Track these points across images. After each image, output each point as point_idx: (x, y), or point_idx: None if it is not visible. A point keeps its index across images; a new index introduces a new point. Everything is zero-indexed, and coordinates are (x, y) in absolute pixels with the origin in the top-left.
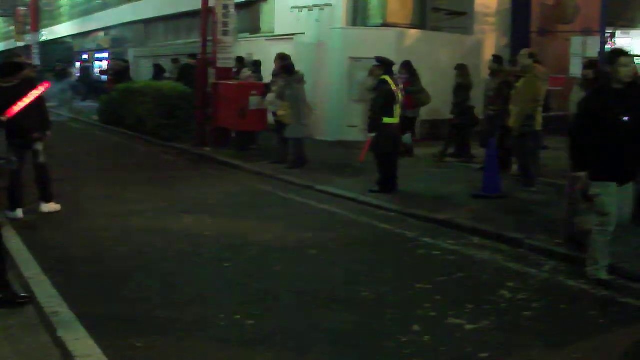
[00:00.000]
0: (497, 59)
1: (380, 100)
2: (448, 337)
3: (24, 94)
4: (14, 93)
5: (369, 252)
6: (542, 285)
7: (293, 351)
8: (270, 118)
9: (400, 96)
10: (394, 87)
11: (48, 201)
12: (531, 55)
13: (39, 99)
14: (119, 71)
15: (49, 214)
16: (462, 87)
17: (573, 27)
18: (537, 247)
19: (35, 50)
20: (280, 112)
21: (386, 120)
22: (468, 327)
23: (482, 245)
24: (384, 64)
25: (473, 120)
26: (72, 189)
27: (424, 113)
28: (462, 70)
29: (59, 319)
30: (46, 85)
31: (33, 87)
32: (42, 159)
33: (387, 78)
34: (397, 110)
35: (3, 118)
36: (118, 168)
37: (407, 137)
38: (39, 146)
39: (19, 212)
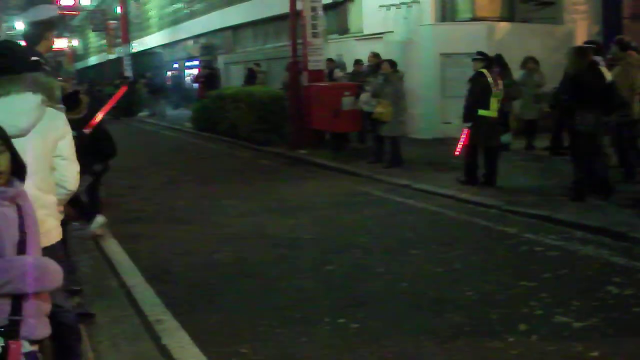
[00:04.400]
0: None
1: (474, 92)
2: (556, 336)
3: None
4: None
5: (470, 250)
6: None
7: (399, 354)
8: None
9: (497, 91)
10: (490, 81)
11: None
12: (620, 42)
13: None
14: (207, 78)
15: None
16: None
17: None
18: None
19: (126, 62)
20: (378, 109)
21: (481, 112)
22: (576, 325)
23: (585, 239)
24: (485, 58)
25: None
26: (170, 196)
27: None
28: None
29: (163, 327)
30: (124, 89)
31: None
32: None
33: (485, 71)
34: (494, 104)
35: (86, 130)
36: (215, 174)
37: (506, 137)
38: (99, 167)
39: (100, 219)
